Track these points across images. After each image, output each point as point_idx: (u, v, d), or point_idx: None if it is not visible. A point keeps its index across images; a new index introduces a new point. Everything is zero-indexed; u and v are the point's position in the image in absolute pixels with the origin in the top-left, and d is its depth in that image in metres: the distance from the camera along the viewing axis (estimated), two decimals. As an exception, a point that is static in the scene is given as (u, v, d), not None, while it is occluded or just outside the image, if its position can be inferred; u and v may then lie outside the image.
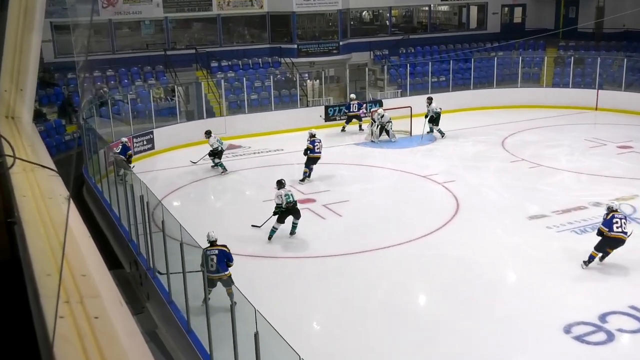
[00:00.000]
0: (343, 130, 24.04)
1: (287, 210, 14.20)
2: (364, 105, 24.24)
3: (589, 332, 10.08)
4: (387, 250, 13.53)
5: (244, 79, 25.26)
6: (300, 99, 25.78)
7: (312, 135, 18.42)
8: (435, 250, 13.62)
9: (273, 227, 14.36)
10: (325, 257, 13.41)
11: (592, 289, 11.71)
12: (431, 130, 22.87)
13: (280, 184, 14.47)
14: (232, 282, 10.52)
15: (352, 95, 24.27)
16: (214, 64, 26.77)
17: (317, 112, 25.10)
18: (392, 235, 14.29)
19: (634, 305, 10.80)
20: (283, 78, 27.09)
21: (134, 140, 21.15)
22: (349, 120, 23.94)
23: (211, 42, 28.16)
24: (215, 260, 10.47)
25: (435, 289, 12.11)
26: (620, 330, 10.14)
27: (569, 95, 27.02)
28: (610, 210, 12.32)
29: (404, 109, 23.59)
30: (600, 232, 12.33)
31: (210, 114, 24.27)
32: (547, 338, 10.08)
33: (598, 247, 12.40)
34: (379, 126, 22.46)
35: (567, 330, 10.14)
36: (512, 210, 15.77)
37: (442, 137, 22.70)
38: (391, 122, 22.62)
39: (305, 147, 18.28)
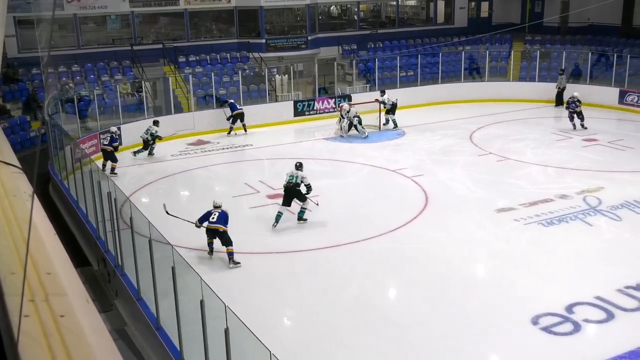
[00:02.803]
0: None
1: (287, 191, 14.40)
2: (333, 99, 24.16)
3: (556, 323, 10.19)
4: (357, 245, 13.55)
5: (212, 74, 25.14)
6: (269, 94, 25.71)
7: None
8: (406, 244, 13.67)
9: (278, 211, 14.53)
10: (296, 252, 13.41)
11: (558, 280, 11.82)
12: (387, 122, 23.13)
13: (297, 166, 14.97)
14: (231, 242, 12.47)
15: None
16: (182, 59, 26.56)
17: (286, 107, 25.00)
18: (362, 229, 14.31)
19: (600, 296, 10.93)
20: (251, 73, 26.99)
21: (101, 136, 20.88)
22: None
23: (179, 37, 27.94)
24: (216, 216, 12.63)
25: (406, 283, 12.15)
26: (586, 320, 10.28)
27: (535, 88, 27.39)
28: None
29: (373, 104, 23.70)
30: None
31: (178, 109, 24.11)
32: (515, 330, 10.19)
33: None
34: (348, 122, 22.49)
35: (535, 321, 10.24)
36: (481, 203, 15.90)
37: (394, 128, 23.04)
38: (359, 117, 22.64)
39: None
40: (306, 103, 25.47)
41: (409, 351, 9.75)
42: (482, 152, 20.33)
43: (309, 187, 14.63)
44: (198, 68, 26.44)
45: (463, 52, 29.25)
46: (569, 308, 10.62)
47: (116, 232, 11.69)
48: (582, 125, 22.15)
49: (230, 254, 12.52)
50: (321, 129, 23.64)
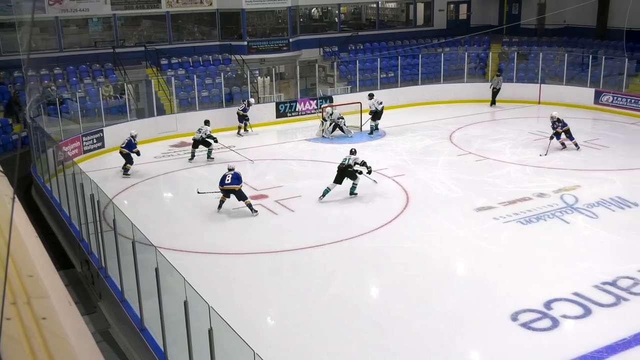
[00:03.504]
0: None
1: (340, 171, 16.07)
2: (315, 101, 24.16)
3: (534, 319, 10.33)
4: (339, 245, 13.62)
5: (195, 76, 25.12)
6: (251, 96, 25.68)
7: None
8: (387, 243, 13.74)
9: (327, 187, 16.05)
10: (279, 252, 13.44)
11: (537, 277, 11.95)
12: (376, 128, 22.90)
13: (351, 151, 16.67)
14: (246, 197, 15.21)
15: (554, 113, 20.60)
16: (164, 61, 26.53)
17: (268, 109, 25.06)
18: (343, 229, 14.40)
19: (577, 292, 11.10)
20: (234, 75, 26.99)
21: (83, 138, 20.88)
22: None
23: (161, 40, 27.89)
24: (230, 177, 15.04)
25: (388, 282, 12.22)
26: (564, 316, 10.42)
27: (513, 89, 27.70)
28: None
29: (354, 105, 23.79)
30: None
31: (161, 111, 24.05)
32: (495, 326, 10.32)
33: None
34: (331, 124, 22.62)
35: (514, 317, 10.37)
36: (460, 202, 16.02)
37: (370, 133, 22.85)
38: (343, 118, 22.82)
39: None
40: (288, 104, 25.52)
41: (389, 349, 9.82)
42: (462, 152, 20.49)
43: (369, 168, 16.37)
44: (180, 70, 26.40)
45: (442, 54, 29.47)
46: (548, 304, 10.76)
47: (99, 235, 11.67)
48: (575, 144, 20.10)
49: (249, 205, 15.24)
50: (303, 130, 23.74)
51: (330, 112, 22.74)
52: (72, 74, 24.98)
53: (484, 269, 12.49)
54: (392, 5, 34.31)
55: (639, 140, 21.84)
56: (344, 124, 22.82)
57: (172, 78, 24.48)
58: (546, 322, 10.26)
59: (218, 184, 15.40)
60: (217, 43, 28.50)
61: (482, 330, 10.29)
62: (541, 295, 11.07)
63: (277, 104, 25.41)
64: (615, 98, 25.43)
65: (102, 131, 21.69)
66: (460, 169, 18.81)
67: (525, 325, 10.20)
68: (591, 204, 15.45)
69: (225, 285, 12.04)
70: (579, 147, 19.85)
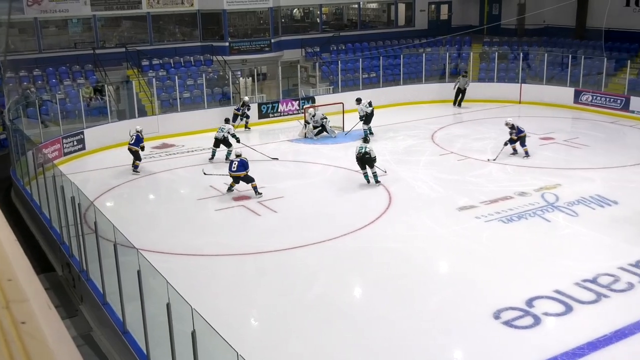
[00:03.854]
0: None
1: (359, 160, 17.12)
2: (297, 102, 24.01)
3: (516, 317, 10.40)
4: (322, 245, 13.63)
5: (176, 77, 24.97)
6: (233, 97, 25.67)
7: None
8: (370, 243, 13.76)
9: (363, 173, 17.34)
10: (262, 253, 13.41)
11: (519, 275, 12.03)
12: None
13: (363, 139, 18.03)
14: (252, 179, 16.44)
15: (509, 119, 20.00)
16: (145, 62, 26.35)
17: (250, 110, 25.04)
18: (327, 229, 14.41)
19: (558, 290, 11.20)
20: (215, 76, 26.91)
21: (63, 140, 20.71)
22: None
23: (141, 41, 27.70)
24: (236, 165, 16.21)
25: (371, 282, 12.24)
26: (546, 314, 10.50)
27: (494, 89, 27.87)
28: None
29: (336, 105, 23.79)
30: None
31: (142, 112, 23.89)
32: (477, 324, 10.38)
33: None
34: (316, 127, 22.62)
35: (497, 315, 10.44)
36: (443, 201, 16.09)
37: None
38: (326, 118, 22.84)
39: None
40: (270, 105, 25.49)
41: (373, 348, 9.86)
42: (444, 151, 20.57)
43: (374, 158, 17.18)
44: (161, 71, 26.25)
45: (424, 54, 29.57)
46: (529, 302, 10.83)
47: (80, 237, 11.60)
48: (526, 152, 19.54)
49: (255, 188, 16.49)
50: (285, 130, 23.73)
51: (313, 113, 22.71)
52: (51, 75, 24.76)
53: (466, 268, 12.55)
54: (374, 5, 34.37)
55: (618, 138, 22.10)
56: (328, 124, 22.83)
57: (153, 79, 24.37)
58: (528, 320, 10.33)
59: (227, 169, 16.57)
60: (199, 44, 28.38)
61: (465, 328, 10.33)
62: (523, 293, 11.14)
63: (260, 105, 25.36)
64: (594, 97, 25.67)
65: (82, 133, 21.50)
66: (442, 168, 18.88)
67: (508, 323, 10.26)
68: (571, 202, 15.58)
69: (208, 287, 12.00)
70: (528, 155, 19.51)
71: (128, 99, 24.42)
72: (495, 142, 21.35)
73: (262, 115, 25.11)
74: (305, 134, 22.78)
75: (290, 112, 25.53)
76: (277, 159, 20.12)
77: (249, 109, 24.08)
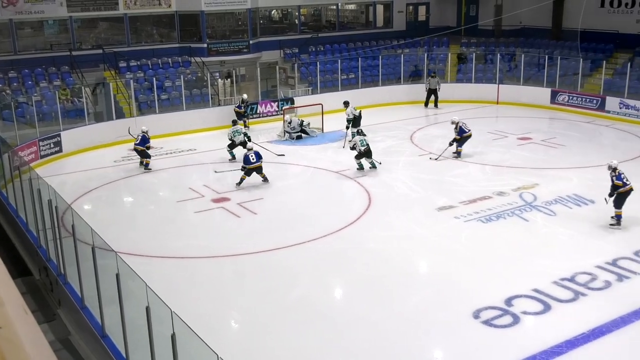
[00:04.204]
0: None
1: (366, 153, 18.24)
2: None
3: (496, 316, 10.46)
4: (303, 246, 13.62)
5: (154, 78, 24.82)
6: (211, 98, 25.58)
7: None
8: (350, 244, 13.76)
9: (357, 162, 18.48)
10: (242, 255, 13.36)
11: (497, 275, 12.10)
12: (360, 133, 21.81)
13: (363, 133, 19.43)
14: (262, 168, 17.32)
15: (455, 118, 20.15)
16: (122, 64, 26.14)
17: (229, 111, 24.97)
18: (307, 231, 14.41)
19: (537, 288, 11.29)
20: (194, 77, 26.77)
21: (40, 143, 20.49)
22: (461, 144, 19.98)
23: (119, 42, 27.45)
24: (254, 156, 17.22)
25: (351, 282, 12.24)
26: (524, 312, 10.58)
27: (472, 90, 28.04)
28: (613, 168, 13.81)
29: (315, 107, 23.84)
30: (615, 189, 13.78)
31: (120, 114, 23.73)
32: (457, 323, 10.42)
33: (619, 204, 13.90)
34: (297, 132, 22.69)
35: (476, 315, 10.50)
36: (422, 202, 16.16)
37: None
38: (303, 120, 22.86)
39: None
40: (249, 106, 25.39)
41: (353, 349, 9.87)
42: (423, 152, 20.65)
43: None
44: (139, 73, 26.05)
45: (402, 55, 29.67)
46: (508, 301, 10.90)
47: (58, 241, 11.45)
48: (458, 153, 19.81)
49: (264, 177, 17.51)
50: (264, 132, 23.66)
51: (289, 120, 22.70)
52: (27, 77, 24.47)
53: (446, 268, 12.61)
54: (352, 6, 34.40)
55: (593, 138, 22.33)
56: (308, 126, 22.86)
57: (131, 81, 24.16)
58: (507, 319, 10.40)
59: (243, 165, 17.34)
60: (177, 45, 28.22)
61: (445, 328, 10.37)
62: (502, 292, 11.21)
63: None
64: (570, 97, 25.92)
65: (59, 135, 21.31)
66: (421, 169, 18.97)
67: (487, 322, 10.32)
68: (549, 201, 15.72)
69: (188, 289, 11.93)
70: (459, 156, 19.72)
71: (105, 101, 24.24)
72: (474, 142, 21.36)
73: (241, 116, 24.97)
74: (285, 132, 22.84)
75: (270, 114, 25.48)
76: (283, 155, 20.47)
77: (248, 106, 24.30)
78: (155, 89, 24.42)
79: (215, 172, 17.95)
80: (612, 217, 14.13)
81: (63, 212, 12.06)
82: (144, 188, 18.44)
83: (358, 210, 15.65)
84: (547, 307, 10.74)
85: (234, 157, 20.07)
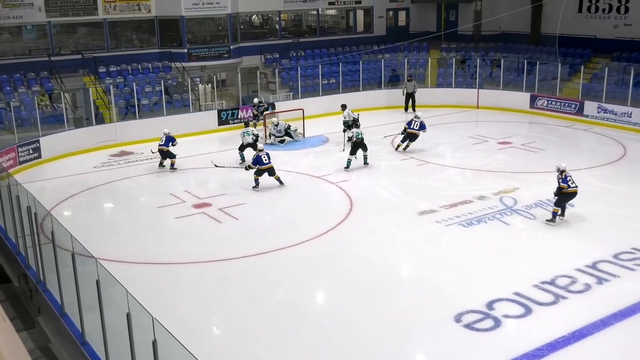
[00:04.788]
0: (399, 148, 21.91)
1: (359, 144, 19.06)
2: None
3: (477, 320, 10.51)
4: (285, 251, 13.60)
5: (134, 84, 24.64)
6: (192, 104, 25.48)
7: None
8: (332, 249, 13.75)
9: (348, 158, 19.21)
10: (224, 260, 13.32)
11: (479, 278, 12.12)
12: (357, 126, 22.02)
13: (354, 124, 20.51)
14: (275, 170, 17.52)
15: (419, 113, 22.03)
16: (102, 69, 25.98)
17: (210, 117, 24.89)
18: (289, 236, 14.38)
19: (518, 292, 11.36)
20: (174, 83, 26.66)
21: (18, 149, 20.28)
22: (405, 139, 21.30)
23: (98, 47, 27.25)
24: (266, 157, 17.41)
25: (333, 287, 12.22)
26: (506, 316, 10.64)
27: (452, 94, 28.17)
28: (561, 170, 14.60)
29: (296, 112, 23.85)
30: (559, 191, 14.60)
31: (100, 120, 23.57)
32: (439, 328, 10.45)
33: (558, 203, 14.72)
34: (279, 136, 22.71)
35: (458, 319, 10.54)
36: (404, 206, 16.17)
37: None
38: (290, 125, 22.94)
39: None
40: (230, 112, 25.37)
41: (336, 354, 9.85)
42: (404, 156, 20.70)
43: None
44: (119, 78, 25.89)
45: (382, 60, 29.75)
46: (489, 304, 10.95)
47: (37, 247, 11.33)
48: (402, 146, 21.28)
49: (278, 178, 17.68)
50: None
51: (276, 122, 22.72)
52: (5, 82, 24.19)
53: (428, 272, 12.64)
54: (333, 12, 34.46)
55: (572, 142, 22.52)
56: (295, 132, 23.05)
57: (111, 86, 24.03)
58: (489, 323, 10.45)
59: (252, 164, 17.58)
60: (157, 50, 28.10)
61: (427, 332, 10.39)
62: (483, 296, 11.25)
63: (219, 112, 25.22)
64: (549, 102, 26.13)
65: (38, 141, 21.09)
66: (403, 173, 18.99)
67: (469, 326, 10.36)
68: (529, 205, 15.83)
69: (169, 296, 11.85)
70: (401, 150, 21.15)
71: (85, 107, 24.07)
72: (454, 147, 21.71)
73: (221, 122, 24.95)
74: (269, 135, 22.92)
75: (250, 119, 25.39)
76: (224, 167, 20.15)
77: (266, 108, 24.50)
78: (135, 94, 24.24)
79: (215, 165, 17.97)
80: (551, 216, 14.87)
81: (42, 218, 11.87)
82: (124, 194, 18.31)
83: (340, 215, 15.63)
84: (528, 311, 10.80)
85: (243, 159, 20.16)
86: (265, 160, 17.39)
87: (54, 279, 10.47)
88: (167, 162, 20.04)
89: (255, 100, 24.56)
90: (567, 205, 14.95)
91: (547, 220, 14.74)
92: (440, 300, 11.35)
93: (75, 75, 25.38)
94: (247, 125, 21.12)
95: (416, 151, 21.14)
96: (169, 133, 20.01)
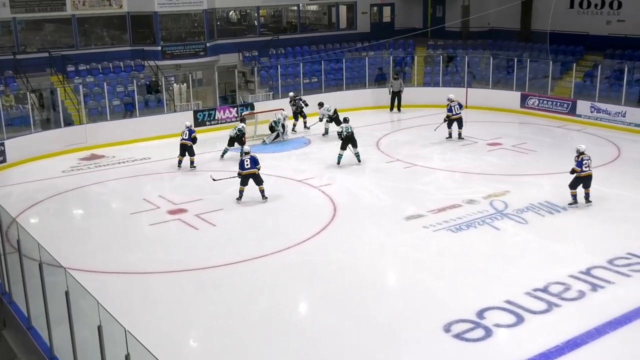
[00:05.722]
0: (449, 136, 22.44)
1: (347, 139, 19.11)
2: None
3: (467, 329, 10.32)
4: (266, 259, 13.39)
5: (105, 83, 24.15)
6: (167, 104, 24.98)
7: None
8: (315, 256, 13.57)
9: (339, 154, 19.39)
10: (201, 269, 13.06)
11: (469, 286, 11.93)
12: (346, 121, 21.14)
13: (346, 120, 19.98)
14: (262, 181, 16.54)
15: (451, 95, 22.41)
16: (71, 68, 25.35)
17: (185, 118, 24.21)
18: (270, 242, 14.18)
19: (509, 300, 11.14)
20: (147, 82, 26.11)
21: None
22: (450, 124, 22.00)
23: (67, 45, 26.56)
24: (249, 161, 16.25)
25: (317, 294, 12.04)
26: (497, 325, 10.43)
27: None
28: (580, 152, 15.33)
29: (277, 111, 23.45)
30: (572, 172, 15.41)
31: (69, 122, 22.98)
32: (428, 338, 10.27)
33: (573, 185, 15.52)
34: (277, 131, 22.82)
35: (447, 329, 10.34)
36: (390, 211, 15.96)
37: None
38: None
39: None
40: (207, 113, 24.84)
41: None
42: (390, 159, 20.41)
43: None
44: (89, 77, 25.31)
45: (367, 58, 29.39)
46: (480, 313, 10.75)
47: (2, 257, 11.07)
48: (459, 135, 22.13)
49: (262, 191, 16.53)
50: (223, 139, 22.91)
51: (285, 115, 23.10)
52: (-32, 82, 23.38)
53: (415, 279, 12.46)
54: (314, 8, 34.11)
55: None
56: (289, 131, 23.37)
57: (80, 86, 23.52)
58: (479, 332, 10.26)
59: (238, 169, 16.46)
60: (129, 48, 27.48)
61: (414, 342, 10.22)
62: (473, 304, 11.06)
63: (195, 112, 24.71)
64: (541, 101, 25.87)
65: (3, 144, 20.51)
66: (388, 176, 18.73)
67: (459, 336, 10.16)
68: (520, 209, 15.61)
69: (143, 307, 11.63)
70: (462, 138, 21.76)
71: (53, 108, 23.49)
72: (442, 149, 21.50)
73: (198, 123, 24.36)
74: (264, 140, 22.77)
75: (228, 120, 24.86)
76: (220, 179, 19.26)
77: (305, 104, 24.54)
78: (106, 95, 23.72)
79: (213, 179, 17.40)
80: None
81: (7, 226, 11.64)
82: (95, 199, 17.99)
83: (322, 220, 15.39)
84: (520, 319, 10.62)
85: (223, 155, 20.65)
86: (247, 165, 16.29)
87: (20, 290, 10.26)
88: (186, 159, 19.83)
89: (291, 94, 25.04)
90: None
91: (569, 204, 15.55)
92: (429, 309, 11.16)
93: (42, 75, 24.74)
94: (243, 121, 21.36)
95: (402, 153, 20.84)
96: (190, 126, 19.92)
